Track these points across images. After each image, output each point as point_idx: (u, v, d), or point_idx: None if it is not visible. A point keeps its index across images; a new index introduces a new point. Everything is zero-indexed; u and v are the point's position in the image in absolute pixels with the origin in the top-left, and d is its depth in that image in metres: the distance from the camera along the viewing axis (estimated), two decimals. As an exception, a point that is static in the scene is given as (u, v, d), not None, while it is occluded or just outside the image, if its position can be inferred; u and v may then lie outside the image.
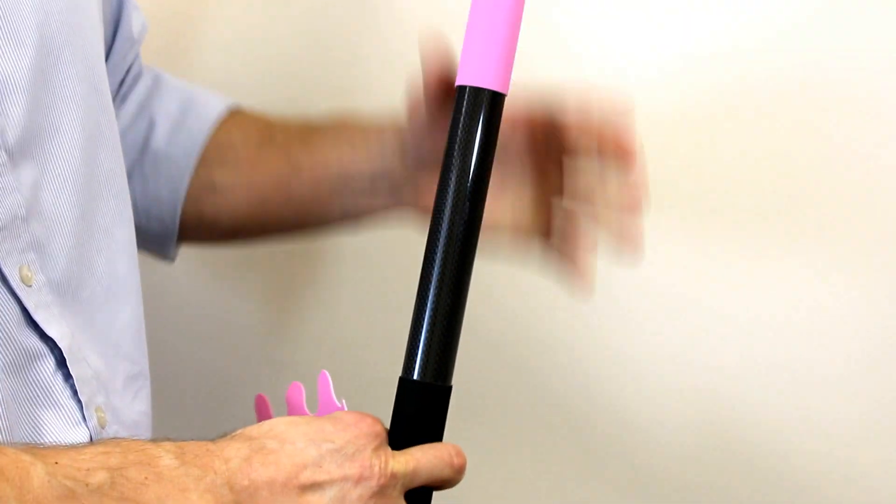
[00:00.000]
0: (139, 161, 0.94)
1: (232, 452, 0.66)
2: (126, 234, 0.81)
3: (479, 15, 0.72)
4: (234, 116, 0.96)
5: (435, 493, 0.72)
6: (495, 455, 1.12)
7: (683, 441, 1.06)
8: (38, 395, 0.71)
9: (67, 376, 0.73)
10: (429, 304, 0.72)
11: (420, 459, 0.70)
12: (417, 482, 0.70)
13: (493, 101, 0.72)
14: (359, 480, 0.67)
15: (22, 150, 0.71)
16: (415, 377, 0.71)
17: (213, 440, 0.67)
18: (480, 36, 0.72)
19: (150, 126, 0.94)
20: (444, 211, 0.72)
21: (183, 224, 0.94)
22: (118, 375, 0.79)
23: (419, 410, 0.72)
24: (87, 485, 0.61)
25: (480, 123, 0.72)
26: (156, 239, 0.95)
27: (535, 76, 1.03)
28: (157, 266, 1.01)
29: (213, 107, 0.95)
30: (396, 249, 1.12)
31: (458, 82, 0.73)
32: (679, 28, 1.02)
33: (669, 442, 1.07)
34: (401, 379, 0.72)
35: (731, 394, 1.04)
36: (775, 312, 1.02)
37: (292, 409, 0.77)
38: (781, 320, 1.02)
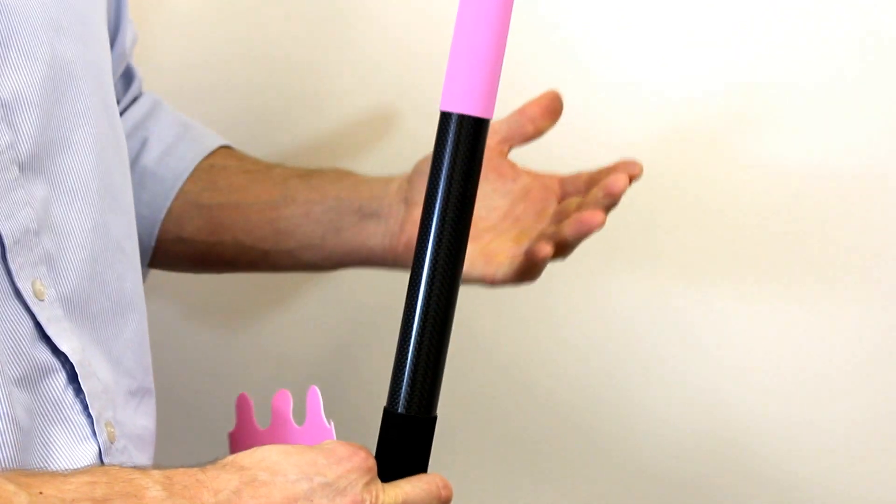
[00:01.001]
0: None
1: (222, 483, 0.65)
2: (134, 248, 0.81)
3: (463, 39, 0.71)
4: (230, 150, 0.97)
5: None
6: (491, 458, 1.12)
7: (684, 445, 1.07)
8: (48, 410, 0.71)
9: (78, 391, 0.73)
10: (413, 336, 0.71)
11: (409, 493, 0.70)
12: None
13: (477, 128, 0.71)
14: None
15: (34, 165, 0.71)
16: (399, 410, 0.71)
17: (203, 467, 0.66)
18: (465, 60, 0.71)
19: (143, 145, 0.95)
20: (427, 241, 0.71)
21: (160, 243, 0.94)
22: (120, 390, 0.78)
23: (405, 443, 0.71)
24: None
25: (465, 151, 0.71)
26: None
27: (540, 84, 1.04)
28: (158, 274, 1.01)
29: (209, 138, 0.96)
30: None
31: (442, 107, 0.72)
32: (686, 36, 1.03)
33: (670, 447, 1.07)
34: (385, 411, 0.72)
35: (731, 399, 1.05)
36: (778, 318, 1.03)
37: (277, 418, 0.76)
38: (783, 325, 1.03)
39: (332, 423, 0.73)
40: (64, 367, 0.72)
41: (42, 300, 0.71)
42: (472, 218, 0.72)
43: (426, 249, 0.71)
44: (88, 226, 0.75)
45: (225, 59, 1.16)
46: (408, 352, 0.71)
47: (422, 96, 1.08)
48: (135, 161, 0.94)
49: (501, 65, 0.72)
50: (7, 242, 0.69)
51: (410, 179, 0.90)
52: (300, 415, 0.75)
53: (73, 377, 0.72)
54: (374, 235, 0.90)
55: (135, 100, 0.96)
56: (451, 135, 0.71)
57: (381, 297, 1.13)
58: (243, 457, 0.67)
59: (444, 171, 0.71)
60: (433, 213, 0.71)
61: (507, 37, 0.72)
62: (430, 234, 0.71)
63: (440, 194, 0.71)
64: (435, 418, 0.72)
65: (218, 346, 1.20)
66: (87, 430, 0.73)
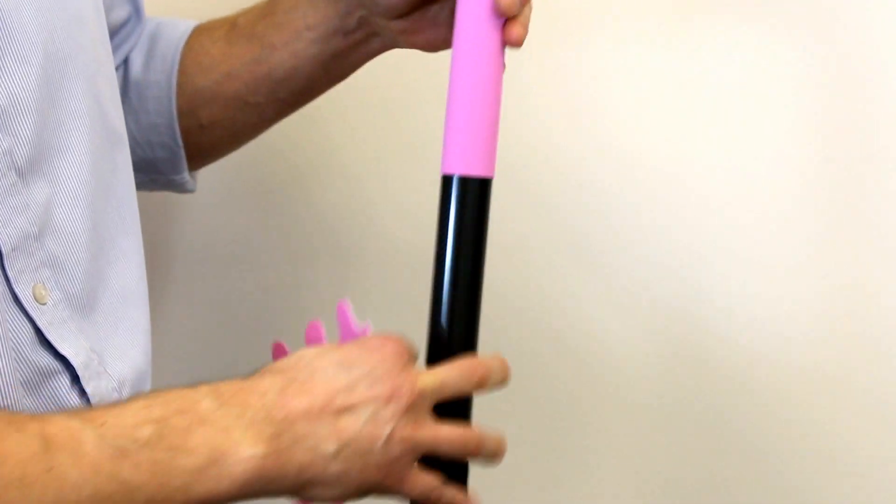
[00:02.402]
0: (125, 100, 0.93)
1: (266, 386, 0.68)
2: (131, 243, 0.82)
3: (459, 100, 0.72)
4: (198, 27, 0.96)
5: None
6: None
7: (681, 436, 1.07)
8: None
9: (83, 392, 0.73)
10: None
11: (446, 375, 0.72)
12: (445, 396, 0.72)
13: (482, 189, 0.73)
14: (389, 399, 0.69)
15: (33, 169, 0.71)
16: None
17: (244, 378, 0.69)
18: (463, 122, 0.72)
19: (126, 63, 0.94)
20: (441, 304, 0.74)
21: (188, 140, 0.94)
22: (143, 383, 0.79)
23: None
24: (136, 440, 0.63)
25: (472, 213, 0.73)
26: (167, 166, 0.95)
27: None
28: (158, 265, 1.00)
29: (180, 27, 0.95)
30: (397, 251, 1.12)
31: (443, 171, 0.73)
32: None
33: (667, 435, 1.07)
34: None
35: (730, 389, 1.05)
36: (778, 306, 1.03)
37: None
38: (783, 316, 1.03)
39: (368, 323, 0.75)
40: (67, 369, 0.72)
41: (44, 304, 0.71)
42: (483, 280, 0.74)
43: (441, 317, 0.74)
44: (88, 225, 0.75)
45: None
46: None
47: (421, 88, 1.07)
48: (126, 80, 0.94)
49: (499, 119, 0.73)
50: (4, 249, 0.69)
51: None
52: (333, 337, 0.76)
53: (76, 379, 0.73)
54: (372, 44, 0.89)
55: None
56: (457, 199, 0.73)
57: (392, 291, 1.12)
58: (280, 361, 0.71)
59: (453, 236, 0.73)
60: (444, 279, 0.73)
61: (501, 89, 0.72)
62: (442, 301, 0.74)
63: (450, 259, 0.73)
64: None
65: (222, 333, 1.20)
66: (95, 431, 0.73)
